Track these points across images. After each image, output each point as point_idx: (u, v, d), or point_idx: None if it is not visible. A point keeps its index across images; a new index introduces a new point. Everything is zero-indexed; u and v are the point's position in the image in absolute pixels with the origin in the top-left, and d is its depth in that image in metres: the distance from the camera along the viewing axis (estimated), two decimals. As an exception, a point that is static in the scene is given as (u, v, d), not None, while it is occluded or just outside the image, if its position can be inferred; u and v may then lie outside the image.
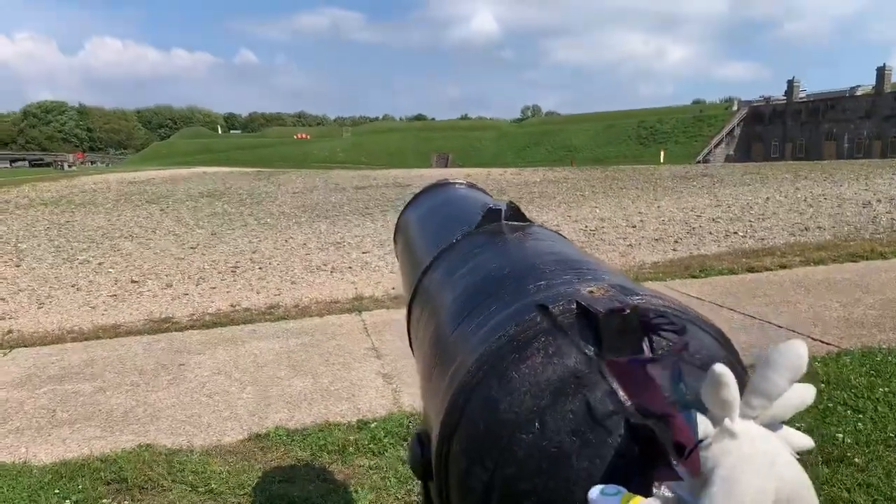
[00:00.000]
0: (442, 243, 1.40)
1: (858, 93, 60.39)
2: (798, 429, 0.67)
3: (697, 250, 9.35)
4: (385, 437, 3.42)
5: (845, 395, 3.55)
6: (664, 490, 0.66)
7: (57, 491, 3.05)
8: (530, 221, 1.42)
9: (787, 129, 63.44)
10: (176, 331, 5.84)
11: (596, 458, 0.71)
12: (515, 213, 1.40)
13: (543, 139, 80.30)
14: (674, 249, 9.65)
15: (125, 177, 33.21)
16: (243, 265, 10.18)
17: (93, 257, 11.58)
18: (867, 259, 7.25)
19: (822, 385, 3.70)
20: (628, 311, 0.76)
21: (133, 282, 9.11)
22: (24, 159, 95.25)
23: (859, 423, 3.24)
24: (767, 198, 15.42)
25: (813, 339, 4.59)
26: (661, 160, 52.30)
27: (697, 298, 5.82)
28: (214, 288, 8.43)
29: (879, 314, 5.12)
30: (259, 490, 3.02)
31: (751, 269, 7.01)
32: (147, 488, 3.06)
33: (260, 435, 3.57)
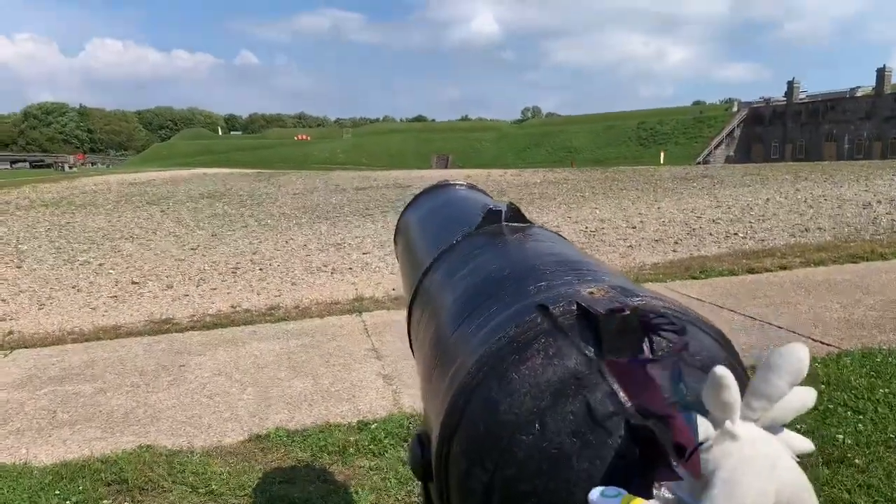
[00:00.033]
0: (442, 244, 1.40)
1: (858, 94, 60.43)
2: (798, 430, 0.67)
3: (698, 251, 9.34)
4: (385, 438, 3.42)
5: (846, 397, 3.55)
6: (664, 492, 0.66)
7: (57, 492, 3.05)
8: (530, 223, 1.42)
9: (788, 131, 63.44)
10: (176, 332, 5.84)
11: (596, 459, 0.71)
12: (516, 214, 1.40)
13: (544, 140, 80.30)
14: (674, 251, 9.65)
15: (126, 178, 33.23)
16: (244, 266, 10.18)
17: (93, 258, 11.59)
18: (867, 260, 7.25)
19: (823, 386, 3.70)
20: (628, 312, 0.76)
21: (133, 283, 9.12)
22: (24, 160, 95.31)
23: (860, 425, 3.24)
24: (767, 199, 15.42)
25: (813, 340, 4.59)
26: (661, 161, 52.31)
27: (698, 300, 5.82)
28: (215, 289, 8.44)
29: (880, 315, 5.12)
30: (259, 491, 3.02)
31: (751, 271, 7.01)
32: (147, 489, 3.06)
33: (260, 436, 3.57)
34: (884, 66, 56.20)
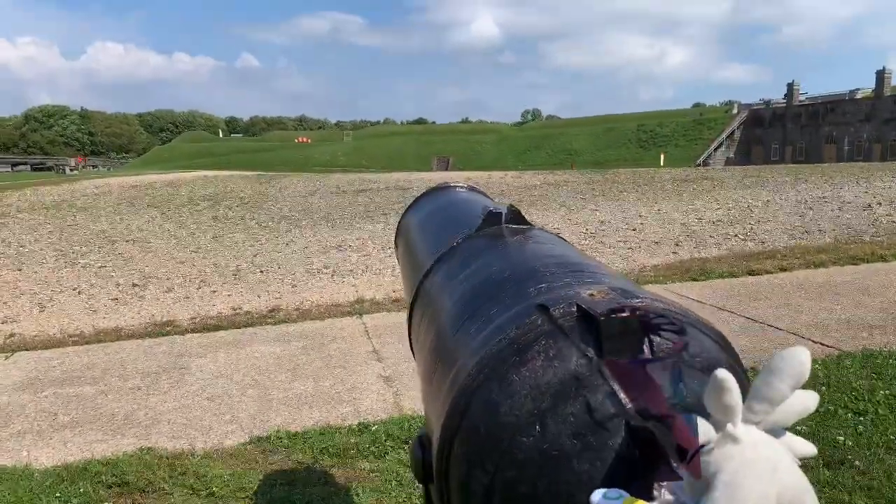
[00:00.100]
0: (443, 247, 1.40)
1: (858, 96, 60.43)
2: (798, 432, 0.67)
3: (698, 253, 9.34)
4: (386, 440, 3.42)
5: (846, 398, 3.55)
6: (665, 493, 0.66)
7: (58, 494, 3.05)
8: (531, 224, 1.42)
9: (787, 133, 63.43)
10: (177, 334, 5.84)
11: (597, 460, 0.71)
12: (516, 216, 1.41)
13: (544, 143, 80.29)
14: (674, 252, 9.65)
15: (127, 181, 33.21)
16: (245, 268, 10.19)
17: (94, 261, 11.59)
18: (868, 262, 7.25)
19: (823, 388, 3.69)
20: (628, 313, 0.77)
21: (134, 285, 9.12)
22: (25, 163, 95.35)
23: (860, 426, 3.24)
24: (768, 200, 15.41)
25: (813, 341, 4.59)
26: (662, 163, 52.31)
27: (698, 301, 5.82)
28: (215, 291, 8.44)
29: (880, 317, 5.12)
30: (260, 493, 3.02)
31: (751, 272, 7.01)
32: (148, 491, 3.06)
33: (261, 438, 3.57)
34: (883, 68, 56.17)
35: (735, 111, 71.61)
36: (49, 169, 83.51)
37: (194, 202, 22.29)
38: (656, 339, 0.77)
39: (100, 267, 10.94)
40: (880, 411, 3.39)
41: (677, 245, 10.33)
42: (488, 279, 1.11)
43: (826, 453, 2.95)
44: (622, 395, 0.72)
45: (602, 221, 13.66)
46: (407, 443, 3.33)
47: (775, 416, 0.64)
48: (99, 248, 13.23)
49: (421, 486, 1.04)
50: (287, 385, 4.39)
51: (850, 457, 2.94)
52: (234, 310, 6.99)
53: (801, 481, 0.63)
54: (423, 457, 0.96)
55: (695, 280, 6.90)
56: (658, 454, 0.67)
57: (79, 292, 8.81)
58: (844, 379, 3.81)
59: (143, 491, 3.06)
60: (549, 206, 17.08)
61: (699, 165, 52.70)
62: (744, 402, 0.63)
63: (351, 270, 9.53)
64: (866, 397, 3.56)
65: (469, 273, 1.19)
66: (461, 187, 2.11)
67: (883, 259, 7.34)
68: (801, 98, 65.54)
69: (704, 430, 0.63)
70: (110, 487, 3.11)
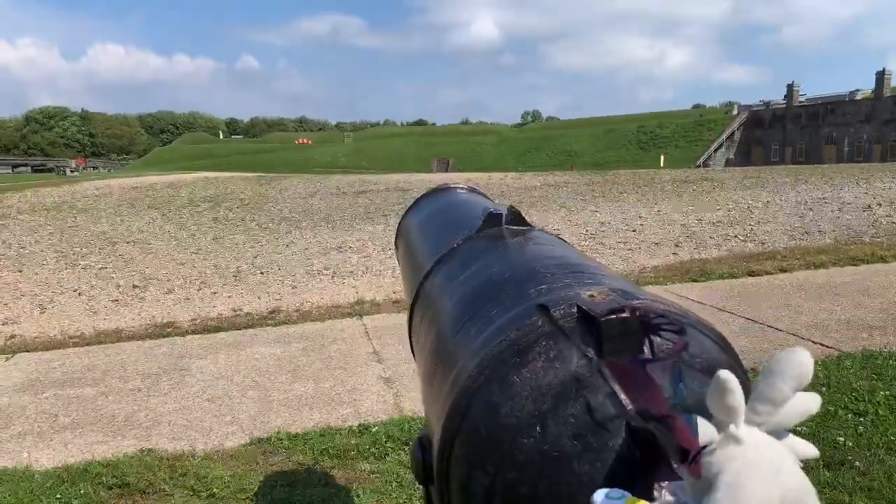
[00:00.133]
0: (443, 248, 1.40)
1: (858, 97, 60.44)
2: (799, 433, 0.67)
3: (698, 254, 9.34)
4: (386, 441, 3.43)
5: (846, 399, 3.55)
6: (666, 494, 0.66)
7: (59, 496, 3.05)
8: (531, 226, 1.42)
9: (787, 133, 63.43)
10: (177, 335, 5.84)
11: (598, 461, 0.71)
12: (516, 217, 1.41)
13: (544, 144, 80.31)
14: (674, 253, 9.65)
15: (127, 182, 33.24)
16: (245, 270, 10.19)
17: (95, 262, 11.59)
18: (868, 262, 7.25)
19: (823, 389, 3.69)
20: (628, 314, 0.77)
21: (135, 287, 9.12)
22: (26, 165, 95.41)
23: (860, 427, 3.24)
24: (768, 201, 15.41)
25: (814, 342, 4.59)
26: (662, 164, 52.31)
27: (698, 302, 5.82)
28: (216, 293, 8.44)
29: (880, 317, 5.12)
30: (261, 495, 3.02)
31: (751, 273, 7.01)
32: (149, 493, 3.06)
33: (262, 439, 3.57)
34: (883, 69, 56.14)
35: (735, 112, 71.59)
36: (50, 170, 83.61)
37: (195, 203, 22.30)
38: (656, 339, 0.77)
39: (100, 268, 10.94)
40: (880, 412, 3.39)
41: (677, 246, 10.33)
42: (489, 280, 1.11)
43: (826, 454, 2.95)
44: (623, 396, 0.73)
45: (602, 223, 13.66)
46: (407, 444, 3.33)
47: (778, 418, 0.64)
48: (99, 249, 13.23)
49: (421, 487, 1.04)
50: (287, 386, 4.39)
51: (850, 458, 2.94)
52: (235, 311, 6.99)
53: (804, 483, 0.63)
54: (423, 458, 0.96)
55: (695, 281, 6.90)
56: (658, 455, 0.67)
57: (79, 294, 8.81)
58: (844, 380, 3.81)
59: (144, 492, 3.06)
60: (549, 208, 17.08)
61: (699, 166, 52.69)
62: (745, 403, 0.63)
63: (351, 272, 9.53)
64: (866, 398, 3.56)
65: (469, 274, 1.20)
66: (461, 188, 2.11)
67: (883, 260, 7.34)
68: (801, 99, 65.55)
69: (706, 430, 0.63)
70: (111, 489, 3.12)
